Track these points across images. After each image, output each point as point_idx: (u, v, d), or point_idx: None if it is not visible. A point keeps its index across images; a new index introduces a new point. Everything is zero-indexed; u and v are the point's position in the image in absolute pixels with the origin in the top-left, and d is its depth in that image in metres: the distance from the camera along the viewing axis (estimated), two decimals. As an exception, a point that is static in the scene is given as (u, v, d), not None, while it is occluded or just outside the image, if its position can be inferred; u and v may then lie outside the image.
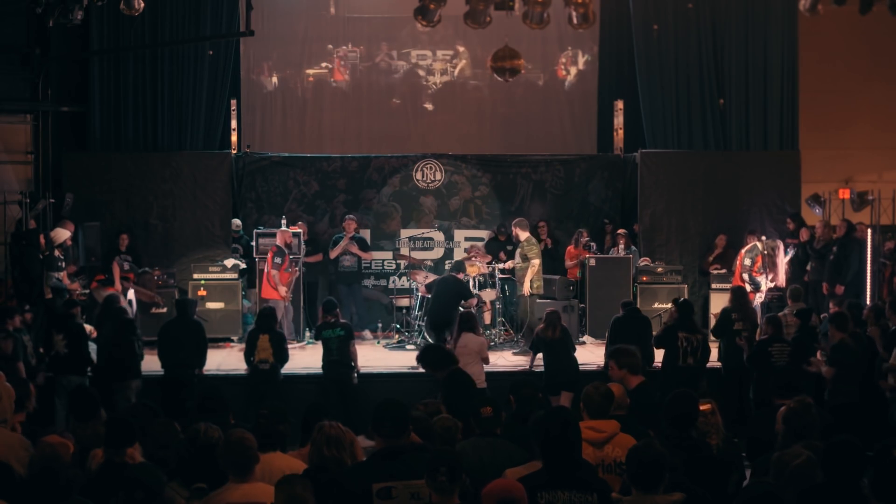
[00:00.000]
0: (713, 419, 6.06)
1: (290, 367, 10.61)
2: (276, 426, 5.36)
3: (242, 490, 4.63)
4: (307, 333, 12.96)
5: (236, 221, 13.88)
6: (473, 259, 12.83)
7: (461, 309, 10.85)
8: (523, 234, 12.58)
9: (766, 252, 12.92)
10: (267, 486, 4.60)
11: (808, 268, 13.26)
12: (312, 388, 10.44)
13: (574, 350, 10.47)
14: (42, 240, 11.85)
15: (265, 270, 12.60)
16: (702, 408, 5.94)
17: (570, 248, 13.83)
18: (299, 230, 13.22)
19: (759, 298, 12.75)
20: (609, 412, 5.60)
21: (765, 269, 12.86)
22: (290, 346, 10.95)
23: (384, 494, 4.64)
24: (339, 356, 10.22)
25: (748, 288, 12.51)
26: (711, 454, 5.64)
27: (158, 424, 5.60)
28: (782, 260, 13.24)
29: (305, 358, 11.68)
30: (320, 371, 10.47)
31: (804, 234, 13.34)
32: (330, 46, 15.53)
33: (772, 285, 13.02)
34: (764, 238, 13.13)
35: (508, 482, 4.41)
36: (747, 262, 12.92)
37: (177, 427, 5.46)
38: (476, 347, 9.58)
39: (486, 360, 9.74)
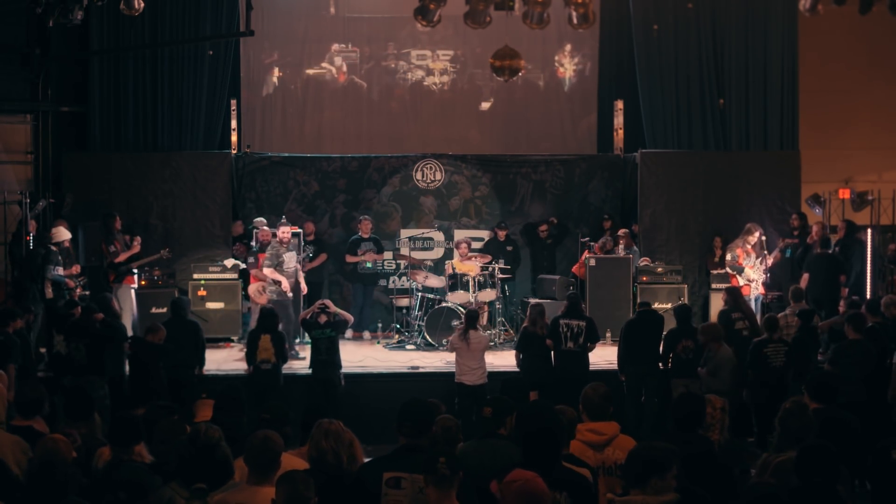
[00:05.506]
0: (720, 415, 6.09)
1: (290, 367, 10.60)
2: (282, 428, 5.34)
3: (262, 493, 4.50)
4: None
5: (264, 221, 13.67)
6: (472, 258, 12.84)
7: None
8: None
9: (742, 245, 12.95)
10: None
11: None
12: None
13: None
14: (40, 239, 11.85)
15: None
16: (713, 400, 6.09)
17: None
18: (297, 229, 13.16)
19: (754, 291, 12.77)
20: (609, 413, 5.52)
21: (749, 256, 12.89)
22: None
23: (393, 483, 4.72)
24: (327, 356, 10.15)
25: (740, 281, 12.59)
26: (713, 453, 5.62)
27: (167, 423, 5.59)
28: (759, 240, 13.09)
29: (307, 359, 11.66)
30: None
31: (815, 232, 13.25)
32: (330, 46, 15.52)
33: (763, 267, 12.97)
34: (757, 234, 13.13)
35: (531, 477, 4.29)
36: (728, 257, 13.09)
37: (186, 427, 5.45)
38: (484, 344, 10.19)
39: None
